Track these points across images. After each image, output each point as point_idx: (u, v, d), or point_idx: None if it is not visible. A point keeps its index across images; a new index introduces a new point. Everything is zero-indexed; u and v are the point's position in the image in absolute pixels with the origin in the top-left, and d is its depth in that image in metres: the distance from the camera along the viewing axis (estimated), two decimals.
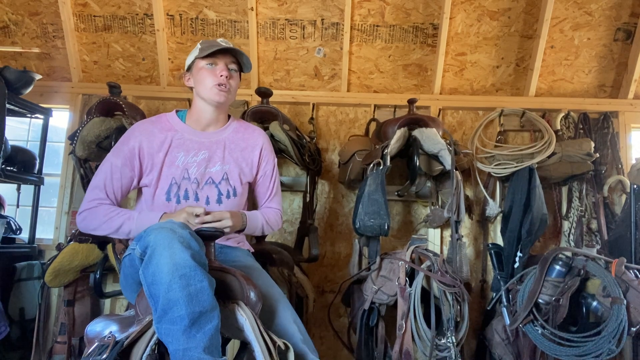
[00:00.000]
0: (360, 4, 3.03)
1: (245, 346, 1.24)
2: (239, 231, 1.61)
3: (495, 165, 2.70)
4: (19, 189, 3.02)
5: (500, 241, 2.71)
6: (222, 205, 1.62)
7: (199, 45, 1.64)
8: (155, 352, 1.13)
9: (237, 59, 1.67)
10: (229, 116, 1.77)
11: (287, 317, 1.38)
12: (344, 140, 3.11)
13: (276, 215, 1.77)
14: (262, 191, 1.77)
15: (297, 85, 3.24)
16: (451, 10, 2.96)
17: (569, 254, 2.14)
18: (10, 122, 2.95)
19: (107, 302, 2.79)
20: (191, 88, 1.68)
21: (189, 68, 1.67)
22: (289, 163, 3.06)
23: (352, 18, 3.04)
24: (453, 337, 1.96)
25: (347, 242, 3.04)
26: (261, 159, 1.74)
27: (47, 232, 3.19)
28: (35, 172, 3.01)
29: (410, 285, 2.06)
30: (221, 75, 1.58)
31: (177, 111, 1.71)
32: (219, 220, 1.47)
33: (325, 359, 2.91)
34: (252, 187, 1.77)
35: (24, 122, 3.37)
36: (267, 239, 2.56)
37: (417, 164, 2.44)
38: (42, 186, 3.05)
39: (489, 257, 2.69)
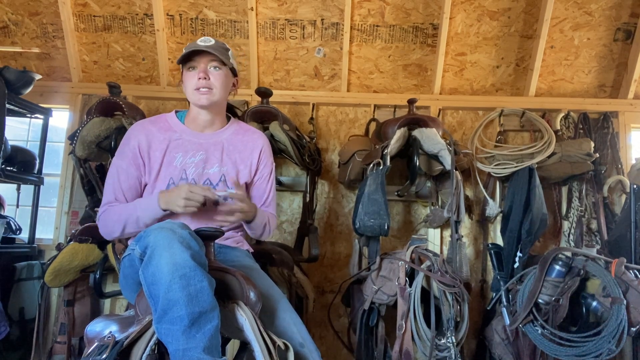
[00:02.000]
0: (360, 4, 3.03)
1: (245, 346, 1.24)
2: (248, 222, 1.61)
3: (495, 165, 2.70)
4: (19, 189, 3.02)
5: (500, 241, 2.71)
6: (219, 207, 1.62)
7: (183, 51, 1.62)
8: (155, 352, 1.13)
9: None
10: (230, 117, 1.76)
11: (287, 318, 1.37)
12: (344, 140, 3.11)
13: (273, 220, 1.75)
14: (257, 194, 1.74)
15: (297, 85, 3.24)
16: (451, 10, 2.96)
17: (569, 254, 2.14)
18: (10, 122, 2.95)
19: (107, 302, 2.79)
20: None
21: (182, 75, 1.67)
22: (289, 163, 3.06)
23: (352, 18, 3.04)
24: (453, 337, 1.96)
25: (347, 242, 3.04)
26: (260, 162, 1.72)
27: (47, 232, 3.19)
28: (35, 172, 3.01)
29: (410, 285, 2.06)
30: (199, 79, 1.56)
31: (176, 112, 1.71)
32: (238, 201, 1.49)
33: (325, 359, 2.90)
34: (247, 190, 1.74)
35: (24, 122, 3.37)
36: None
37: (417, 164, 2.44)
38: (42, 186, 3.05)
39: (489, 257, 2.69)
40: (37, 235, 3.04)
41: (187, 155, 1.61)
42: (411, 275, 2.10)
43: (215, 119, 1.67)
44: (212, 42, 1.59)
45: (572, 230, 2.81)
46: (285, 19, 3.10)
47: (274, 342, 1.19)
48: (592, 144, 2.67)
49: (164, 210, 1.48)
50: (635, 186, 2.49)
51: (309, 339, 1.35)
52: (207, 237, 1.30)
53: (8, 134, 2.69)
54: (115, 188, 1.58)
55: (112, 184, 1.58)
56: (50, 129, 3.13)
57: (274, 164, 1.81)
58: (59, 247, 2.51)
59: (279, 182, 2.98)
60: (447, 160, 2.38)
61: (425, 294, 2.07)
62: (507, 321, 2.19)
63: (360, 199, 2.29)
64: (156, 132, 1.62)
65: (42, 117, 3.07)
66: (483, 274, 2.93)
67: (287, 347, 1.21)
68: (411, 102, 2.64)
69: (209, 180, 1.62)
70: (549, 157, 2.67)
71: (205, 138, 1.65)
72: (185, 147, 1.62)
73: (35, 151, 3.04)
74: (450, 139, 2.56)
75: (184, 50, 1.61)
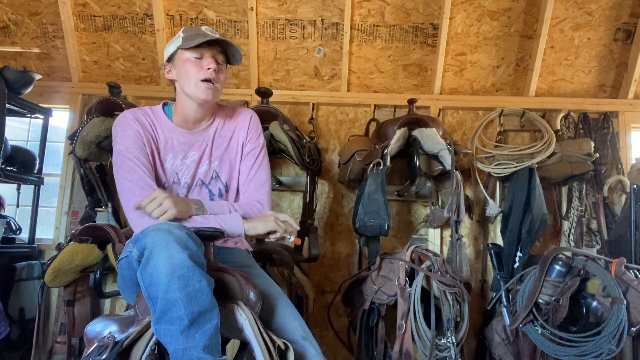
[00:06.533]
0: (360, 4, 3.03)
1: (245, 346, 1.24)
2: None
3: (495, 165, 2.70)
4: (19, 189, 3.02)
5: (500, 241, 2.71)
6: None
7: (181, 33, 1.47)
8: (155, 352, 1.13)
9: (224, 49, 1.52)
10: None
11: (287, 314, 1.37)
12: (344, 140, 3.11)
13: (253, 206, 1.53)
14: (243, 172, 1.58)
15: (297, 85, 3.24)
16: (451, 10, 2.96)
17: (569, 254, 2.14)
18: (10, 122, 2.95)
19: (107, 302, 2.79)
20: (172, 81, 1.54)
21: (170, 58, 1.51)
22: (289, 163, 3.06)
23: (352, 18, 3.04)
24: (453, 337, 1.96)
25: (347, 242, 3.04)
26: (246, 139, 1.59)
27: (47, 232, 3.19)
28: (35, 172, 3.01)
29: (410, 285, 2.06)
30: (208, 69, 1.44)
31: (164, 105, 1.57)
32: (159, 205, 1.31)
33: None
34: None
35: (24, 122, 3.37)
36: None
37: (417, 164, 2.44)
38: (42, 186, 3.05)
39: (489, 257, 2.69)
40: (37, 235, 3.05)
41: (178, 157, 1.54)
42: (411, 275, 2.10)
43: (206, 113, 1.57)
44: (218, 35, 1.50)
45: (572, 230, 2.81)
46: (285, 19, 3.10)
47: (273, 342, 1.19)
48: (592, 144, 2.67)
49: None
50: (635, 186, 2.48)
51: (310, 333, 1.35)
52: (206, 237, 1.29)
53: (8, 134, 2.69)
54: (142, 179, 1.42)
55: (133, 177, 1.41)
56: (50, 129, 3.14)
57: (265, 142, 1.64)
58: (59, 247, 2.50)
59: (279, 182, 2.98)
60: (447, 160, 2.38)
61: (425, 294, 2.07)
62: (507, 321, 2.19)
63: (360, 199, 2.29)
64: (148, 126, 1.51)
65: (42, 117, 3.07)
66: (483, 274, 2.93)
67: (287, 346, 1.20)
68: (411, 102, 2.64)
69: (200, 180, 1.56)
70: (549, 157, 2.67)
71: (194, 137, 1.56)
72: (175, 148, 1.54)
73: (35, 151, 3.04)
74: (450, 139, 2.56)
75: (181, 33, 1.47)
